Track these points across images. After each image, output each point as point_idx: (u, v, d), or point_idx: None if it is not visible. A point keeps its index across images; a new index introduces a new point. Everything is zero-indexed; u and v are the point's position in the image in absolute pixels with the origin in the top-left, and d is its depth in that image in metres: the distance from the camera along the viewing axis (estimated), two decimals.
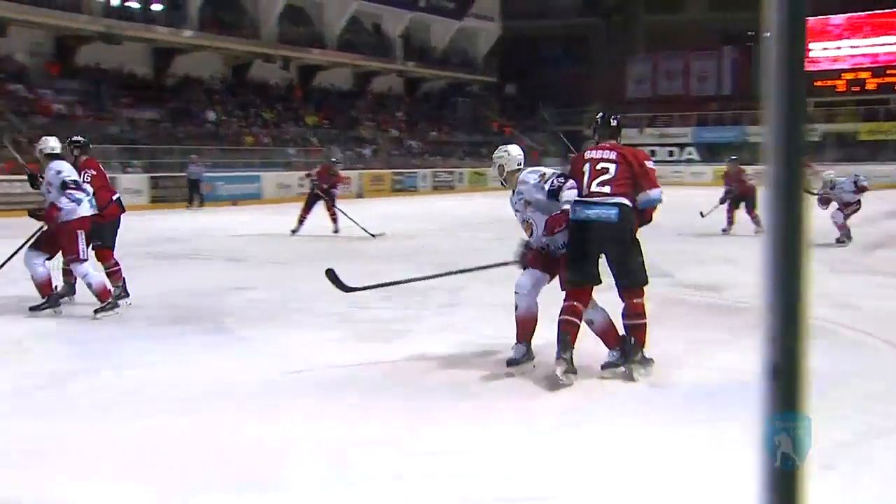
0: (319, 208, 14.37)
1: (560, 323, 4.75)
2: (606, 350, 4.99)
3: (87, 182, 7.21)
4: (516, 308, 5.00)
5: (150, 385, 4.83)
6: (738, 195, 14.05)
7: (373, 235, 13.42)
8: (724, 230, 13.94)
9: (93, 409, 4.37)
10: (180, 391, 4.68)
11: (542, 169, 5.27)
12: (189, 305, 7.49)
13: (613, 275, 4.84)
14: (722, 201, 14.25)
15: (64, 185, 6.79)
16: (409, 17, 37.34)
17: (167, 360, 5.48)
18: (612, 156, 4.86)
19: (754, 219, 13.71)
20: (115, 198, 7.67)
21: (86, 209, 6.97)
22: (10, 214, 18.89)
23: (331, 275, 5.47)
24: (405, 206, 23.68)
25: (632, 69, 44.23)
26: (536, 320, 4.99)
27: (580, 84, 39.74)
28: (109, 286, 7.01)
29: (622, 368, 4.87)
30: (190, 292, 8.24)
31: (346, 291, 5.53)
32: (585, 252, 4.81)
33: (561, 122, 40.40)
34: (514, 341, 5.02)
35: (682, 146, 38.87)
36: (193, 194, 22.12)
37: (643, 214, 4.90)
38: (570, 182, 4.92)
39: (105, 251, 7.44)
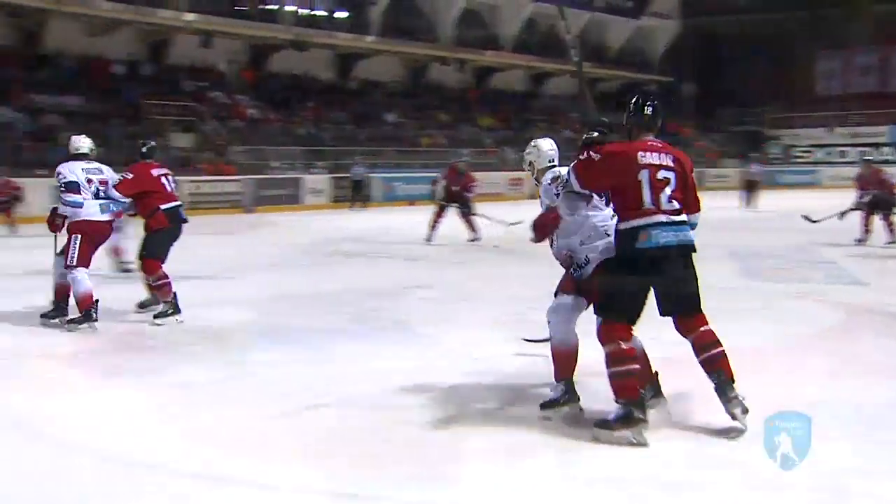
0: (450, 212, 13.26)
1: (616, 377, 3.83)
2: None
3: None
4: (550, 339, 4.32)
5: (331, 378, 5.07)
6: (877, 200, 12.22)
7: (511, 224, 12.70)
8: (859, 240, 12.09)
9: (281, 398, 4.63)
10: (358, 385, 4.87)
11: (559, 170, 4.51)
12: (366, 303, 7.79)
13: (673, 306, 3.95)
14: (857, 207, 12.42)
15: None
16: (586, 17, 36.98)
17: (345, 354, 5.73)
18: (670, 161, 3.92)
19: (890, 227, 12.15)
20: (164, 207, 6.99)
21: (92, 213, 6.58)
22: (214, 212, 20.40)
23: (529, 341, 5.20)
24: None
25: (822, 65, 41.71)
26: (576, 353, 4.26)
27: (763, 82, 37.97)
28: (94, 298, 6.40)
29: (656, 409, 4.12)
30: (367, 290, 8.58)
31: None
32: (649, 282, 3.89)
33: (741, 123, 38.81)
34: (553, 380, 4.31)
35: (876, 146, 36.28)
36: (356, 194, 22.86)
37: None
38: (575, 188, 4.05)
39: (149, 262, 6.90)
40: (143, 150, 7.30)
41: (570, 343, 4.23)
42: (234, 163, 23.11)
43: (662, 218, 3.81)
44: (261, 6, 27.52)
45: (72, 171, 6.60)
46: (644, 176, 3.82)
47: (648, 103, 4.00)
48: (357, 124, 28.53)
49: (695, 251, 3.92)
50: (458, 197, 13.04)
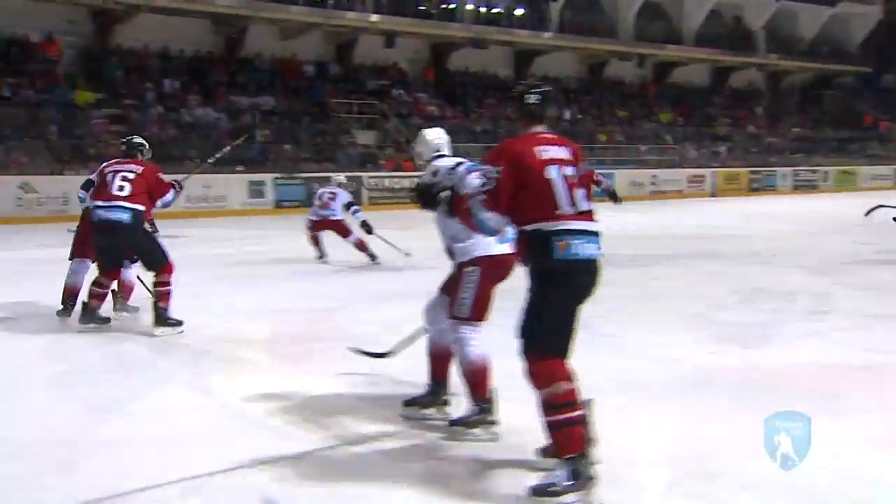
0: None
1: (558, 428, 3.20)
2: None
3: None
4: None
5: (513, 374, 5.13)
6: None
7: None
8: None
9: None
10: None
11: (437, 164, 4.14)
12: None
13: None
14: None
15: None
16: (775, 7, 35.22)
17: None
18: (568, 154, 3.37)
19: None
20: (87, 205, 6.57)
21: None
22: (396, 207, 21.17)
23: (358, 351, 4.77)
24: (763, 205, 22.51)
25: None
26: (447, 354, 4.08)
27: None
28: (72, 294, 6.60)
29: (480, 431, 3.86)
30: None
31: (381, 357, 4.75)
32: (575, 302, 3.34)
33: None
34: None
35: None
36: None
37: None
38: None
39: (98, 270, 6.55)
40: (122, 147, 6.74)
41: (437, 342, 4.11)
42: (413, 159, 23.80)
43: (583, 225, 3.26)
44: (441, 5, 28.15)
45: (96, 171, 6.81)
46: (553, 173, 3.25)
47: (532, 91, 3.45)
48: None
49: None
50: None
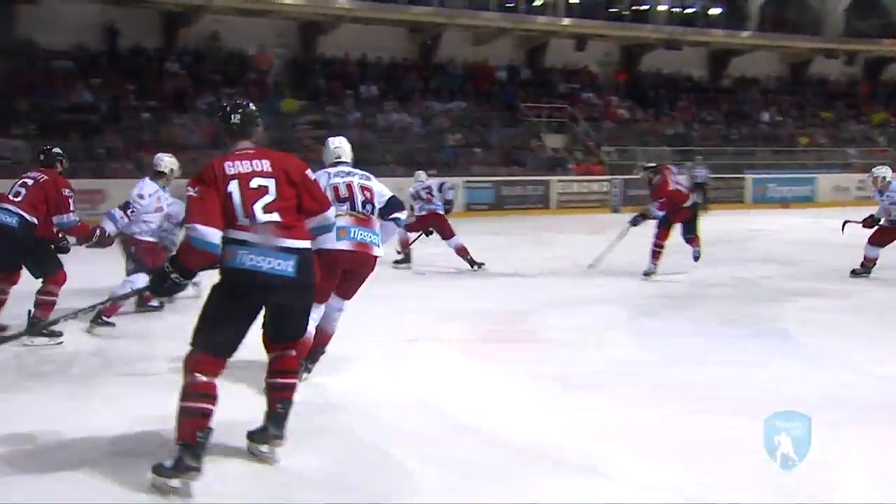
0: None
1: (181, 414, 3.37)
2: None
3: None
4: None
5: (706, 385, 4.99)
6: None
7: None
8: None
9: (661, 399, 4.67)
10: (737, 392, 4.78)
11: (323, 171, 4.49)
12: (739, 307, 7.65)
13: (268, 334, 3.66)
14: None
15: None
16: None
17: (724, 360, 5.63)
18: (265, 166, 3.54)
19: None
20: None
21: None
22: (584, 211, 21.07)
23: None
24: None
25: None
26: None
27: None
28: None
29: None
30: (740, 294, 8.40)
31: None
32: (242, 311, 3.51)
33: None
34: None
35: None
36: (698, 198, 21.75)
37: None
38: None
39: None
40: (40, 157, 6.43)
41: None
42: (603, 163, 23.59)
43: (254, 238, 3.42)
44: (633, 7, 27.69)
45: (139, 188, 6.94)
46: (234, 187, 3.46)
47: (238, 110, 3.68)
48: (729, 123, 27.56)
49: (300, 286, 3.52)
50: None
